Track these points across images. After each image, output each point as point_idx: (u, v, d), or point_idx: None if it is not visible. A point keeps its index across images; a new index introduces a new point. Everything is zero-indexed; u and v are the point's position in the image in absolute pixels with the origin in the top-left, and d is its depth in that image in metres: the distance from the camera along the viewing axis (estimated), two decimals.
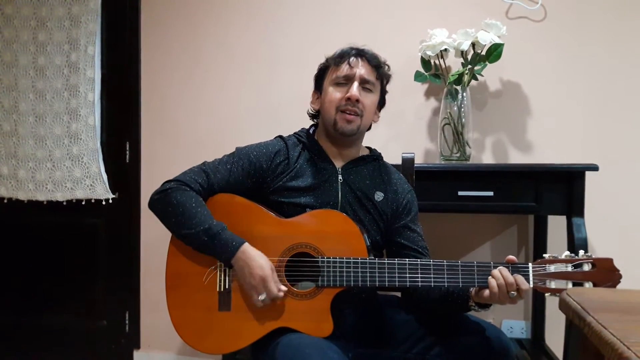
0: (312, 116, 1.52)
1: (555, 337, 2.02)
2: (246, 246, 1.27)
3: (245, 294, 1.30)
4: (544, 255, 1.25)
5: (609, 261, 1.21)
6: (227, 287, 1.32)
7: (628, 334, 0.69)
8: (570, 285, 1.22)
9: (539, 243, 2.04)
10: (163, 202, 1.34)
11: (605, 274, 1.20)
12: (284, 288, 1.27)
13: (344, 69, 1.38)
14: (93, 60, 2.32)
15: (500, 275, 1.18)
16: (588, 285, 1.21)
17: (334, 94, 1.38)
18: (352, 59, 1.38)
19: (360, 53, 1.40)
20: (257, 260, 1.26)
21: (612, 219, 2.01)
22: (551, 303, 2.05)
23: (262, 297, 1.25)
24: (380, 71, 1.42)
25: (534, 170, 1.78)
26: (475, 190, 1.76)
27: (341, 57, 1.40)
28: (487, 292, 1.20)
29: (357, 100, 1.35)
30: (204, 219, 1.29)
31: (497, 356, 1.20)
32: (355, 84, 1.36)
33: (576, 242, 1.65)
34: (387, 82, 1.48)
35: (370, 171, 1.45)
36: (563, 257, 1.24)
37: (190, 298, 1.33)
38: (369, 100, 1.40)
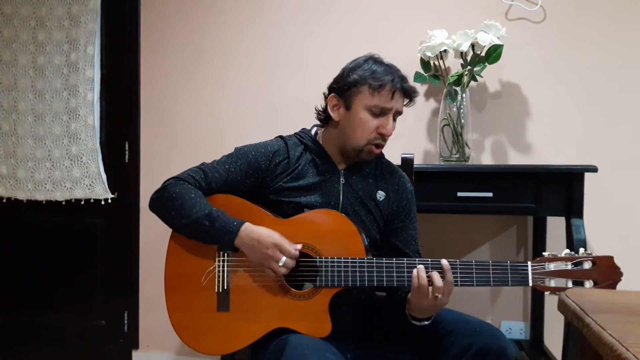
0: (320, 115, 1.45)
1: (554, 338, 2.02)
2: (248, 224, 1.28)
3: (244, 294, 1.30)
4: (544, 253, 1.25)
5: (610, 259, 1.20)
6: (225, 287, 1.32)
7: (627, 335, 0.69)
8: (570, 284, 1.21)
9: (538, 244, 2.03)
10: (162, 198, 1.35)
11: (606, 271, 1.20)
12: (299, 246, 1.27)
13: (385, 101, 1.31)
14: (92, 60, 2.32)
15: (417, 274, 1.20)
16: (588, 283, 1.20)
17: (369, 123, 1.32)
18: (396, 93, 1.32)
19: (404, 88, 1.33)
20: (262, 232, 1.27)
21: (611, 220, 2.01)
22: (550, 304, 2.05)
23: (282, 261, 1.24)
24: (410, 103, 1.39)
25: (533, 171, 1.78)
26: (474, 191, 1.76)
27: (383, 85, 1.30)
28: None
29: (389, 135, 1.34)
30: (204, 207, 1.30)
31: (495, 357, 1.20)
32: (391, 121, 1.33)
33: (575, 243, 1.65)
34: None
35: (372, 170, 1.45)
36: (563, 255, 1.23)
37: (189, 299, 1.33)
38: (394, 127, 1.37)
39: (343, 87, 1.35)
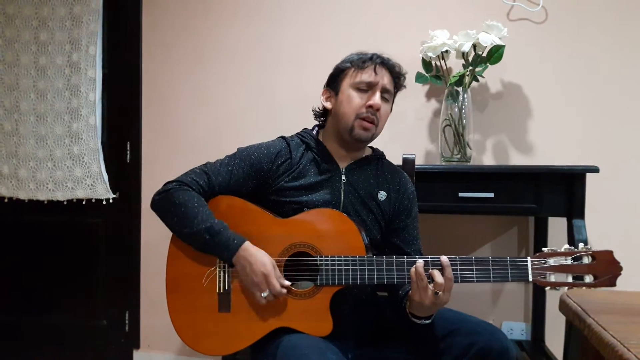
0: (317, 115, 1.50)
1: (555, 339, 2.02)
2: (247, 244, 1.28)
3: (245, 294, 1.31)
4: (543, 249, 1.25)
5: (609, 253, 1.21)
6: (226, 288, 1.32)
7: (628, 335, 0.69)
8: (570, 278, 1.21)
9: (539, 245, 2.03)
10: (165, 202, 1.35)
11: (606, 266, 1.20)
12: (287, 283, 1.27)
13: (369, 76, 1.36)
14: (94, 60, 2.32)
15: (414, 270, 1.20)
16: (588, 278, 1.20)
17: (356, 99, 1.36)
18: (378, 66, 1.37)
19: (385, 62, 1.39)
20: (258, 257, 1.26)
21: (613, 220, 2.01)
22: (551, 304, 2.05)
23: (265, 294, 1.24)
24: (398, 82, 1.42)
25: (535, 171, 1.78)
26: (475, 191, 1.76)
27: (365, 62, 1.38)
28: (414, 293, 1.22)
29: (378, 109, 1.35)
30: (206, 218, 1.30)
31: (497, 357, 1.20)
32: (378, 93, 1.36)
33: (576, 244, 1.65)
34: (398, 92, 1.47)
35: (373, 170, 1.45)
36: (562, 250, 1.24)
37: (190, 300, 1.33)
38: (385, 109, 1.39)
39: (332, 78, 1.44)
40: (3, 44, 2.39)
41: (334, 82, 1.43)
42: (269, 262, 1.26)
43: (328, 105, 1.44)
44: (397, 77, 1.41)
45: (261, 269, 1.25)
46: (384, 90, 1.37)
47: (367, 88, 1.36)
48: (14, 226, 2.49)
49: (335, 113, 1.41)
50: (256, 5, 2.29)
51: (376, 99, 1.35)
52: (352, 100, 1.36)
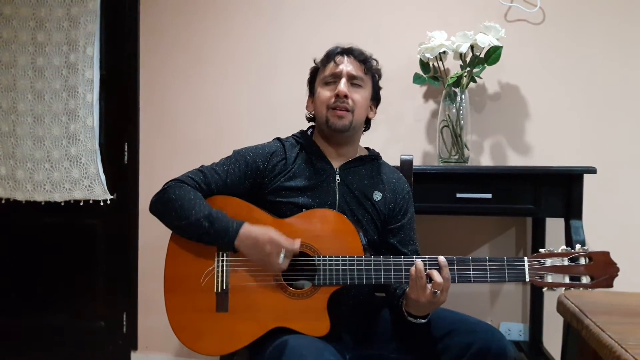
0: (310, 119, 1.54)
1: (553, 340, 2.02)
2: (247, 224, 1.29)
3: (243, 294, 1.31)
4: (540, 250, 1.26)
5: (606, 254, 1.22)
6: (224, 287, 1.32)
7: (626, 336, 0.69)
8: (567, 279, 1.22)
9: (537, 245, 2.03)
10: (162, 200, 1.35)
11: (602, 267, 1.21)
12: (297, 241, 1.28)
13: (331, 68, 1.40)
14: (92, 61, 2.32)
15: (415, 269, 1.20)
16: (585, 279, 1.21)
17: (324, 93, 1.40)
18: (337, 57, 1.40)
19: (346, 51, 1.42)
20: (261, 230, 1.28)
21: (611, 221, 2.01)
22: (549, 305, 2.05)
23: (282, 255, 1.25)
24: (367, 65, 1.43)
25: (533, 172, 1.78)
26: (473, 192, 1.76)
27: (327, 56, 1.43)
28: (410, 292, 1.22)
29: (346, 96, 1.37)
30: (204, 208, 1.31)
31: (495, 357, 1.20)
32: (343, 80, 1.38)
33: (574, 245, 1.65)
34: (380, 77, 1.49)
35: (368, 171, 1.45)
36: (559, 251, 1.24)
37: (188, 300, 1.33)
38: (359, 95, 1.40)
39: (309, 85, 1.51)
40: (0, 44, 2.39)
41: (311, 89, 1.50)
42: (273, 230, 1.28)
43: (311, 110, 1.49)
44: (364, 61, 1.42)
45: (266, 237, 1.26)
46: (351, 77, 1.39)
47: (333, 80, 1.40)
48: (11, 227, 2.48)
49: (315, 114, 1.46)
50: (256, 5, 2.29)
51: (341, 86, 1.37)
52: (321, 95, 1.41)
